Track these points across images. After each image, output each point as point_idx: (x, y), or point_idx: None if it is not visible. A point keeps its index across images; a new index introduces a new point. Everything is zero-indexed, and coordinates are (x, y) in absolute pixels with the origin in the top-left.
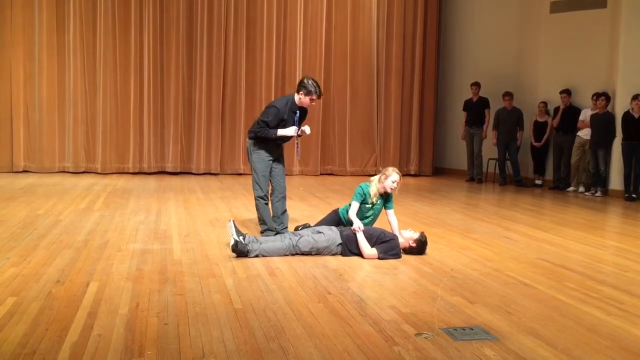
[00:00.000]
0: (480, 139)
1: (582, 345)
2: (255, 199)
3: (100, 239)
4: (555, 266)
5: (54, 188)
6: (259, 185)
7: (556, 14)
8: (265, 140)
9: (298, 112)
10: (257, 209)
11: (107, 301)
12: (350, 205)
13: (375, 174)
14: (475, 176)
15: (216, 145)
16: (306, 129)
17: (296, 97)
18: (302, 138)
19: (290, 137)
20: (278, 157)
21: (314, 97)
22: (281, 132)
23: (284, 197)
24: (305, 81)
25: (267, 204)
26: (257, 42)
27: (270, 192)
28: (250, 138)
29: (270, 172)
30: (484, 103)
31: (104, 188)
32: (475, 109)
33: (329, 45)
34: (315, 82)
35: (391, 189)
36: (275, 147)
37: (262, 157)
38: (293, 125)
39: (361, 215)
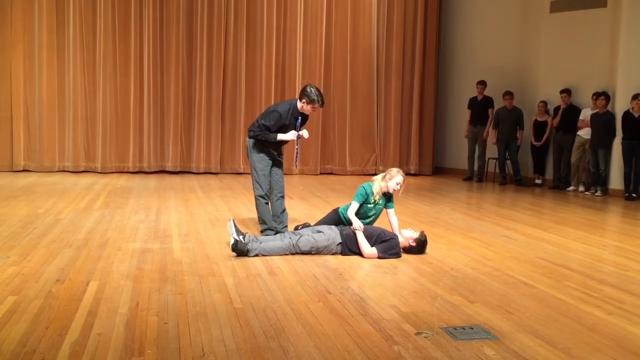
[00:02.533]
0: (483, 139)
1: (582, 345)
2: (255, 198)
3: (100, 238)
4: (555, 265)
5: (54, 187)
6: (259, 184)
7: (556, 14)
8: (265, 141)
9: (300, 118)
10: (257, 208)
11: (107, 300)
12: (351, 204)
13: (376, 174)
14: (475, 175)
15: (216, 144)
16: (304, 133)
17: (299, 104)
18: (301, 140)
19: (289, 141)
20: (277, 156)
21: (317, 105)
22: (281, 136)
23: (283, 196)
24: (309, 89)
25: (267, 203)
26: (257, 40)
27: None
28: (250, 137)
29: (269, 171)
30: (488, 102)
31: (104, 187)
32: (480, 108)
33: (329, 43)
34: (318, 90)
35: (394, 190)
36: (275, 146)
37: (262, 155)
38: (294, 130)
39: (364, 214)
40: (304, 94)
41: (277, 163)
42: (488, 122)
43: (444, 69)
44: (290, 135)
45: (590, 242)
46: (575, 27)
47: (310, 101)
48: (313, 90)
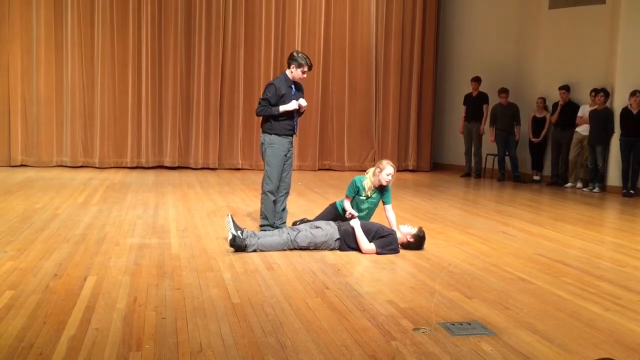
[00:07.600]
0: (478, 135)
1: (579, 340)
2: (264, 192)
3: (98, 233)
4: (553, 261)
5: (51, 182)
6: (270, 179)
7: (555, 10)
8: (275, 124)
9: (293, 86)
10: (262, 203)
11: (104, 295)
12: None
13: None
14: (474, 172)
15: (214, 140)
16: (302, 101)
17: (287, 72)
18: (300, 130)
19: (292, 113)
20: (289, 152)
21: (305, 69)
22: (283, 107)
23: (288, 194)
24: (295, 54)
25: (274, 200)
26: (255, 37)
27: None
28: (263, 132)
29: (282, 168)
30: (482, 98)
31: (102, 182)
32: (475, 104)
33: (328, 40)
34: (305, 54)
35: (387, 181)
36: (287, 142)
37: (276, 151)
38: (292, 99)
39: (356, 208)
40: (291, 58)
41: (288, 159)
42: (483, 118)
43: (442, 66)
44: (292, 104)
45: (587, 239)
46: (574, 24)
47: (299, 65)
48: (300, 54)
